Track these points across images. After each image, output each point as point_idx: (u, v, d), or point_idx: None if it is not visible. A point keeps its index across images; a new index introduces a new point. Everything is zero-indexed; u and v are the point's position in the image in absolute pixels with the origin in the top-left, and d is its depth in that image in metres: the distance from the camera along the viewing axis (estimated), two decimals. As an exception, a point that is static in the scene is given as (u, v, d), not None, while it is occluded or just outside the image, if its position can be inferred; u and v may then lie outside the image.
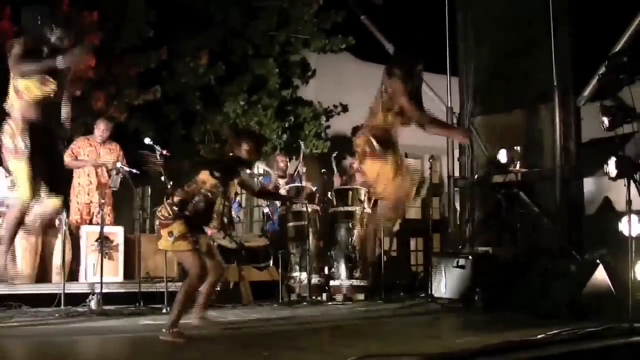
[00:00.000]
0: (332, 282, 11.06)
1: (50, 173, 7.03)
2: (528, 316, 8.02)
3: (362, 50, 15.53)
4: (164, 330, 6.83)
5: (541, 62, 10.74)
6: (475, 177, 11.26)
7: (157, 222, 7.12)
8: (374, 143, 7.90)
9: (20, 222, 6.97)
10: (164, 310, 9.13)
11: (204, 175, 7.12)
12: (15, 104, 6.92)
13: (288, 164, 12.87)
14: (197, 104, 14.61)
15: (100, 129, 10.95)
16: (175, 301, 7.00)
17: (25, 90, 6.84)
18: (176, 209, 7.00)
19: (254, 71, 14.92)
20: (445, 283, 10.17)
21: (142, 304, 9.49)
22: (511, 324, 7.52)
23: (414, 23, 14.20)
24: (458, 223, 12.15)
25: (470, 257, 9.92)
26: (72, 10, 11.85)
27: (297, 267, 11.11)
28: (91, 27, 12.26)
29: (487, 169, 11.24)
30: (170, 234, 6.90)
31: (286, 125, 15.23)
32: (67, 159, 10.27)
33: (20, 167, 6.82)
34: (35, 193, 6.84)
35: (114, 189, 10.90)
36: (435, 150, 13.30)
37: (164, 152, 9.07)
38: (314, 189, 11.56)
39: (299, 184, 11.77)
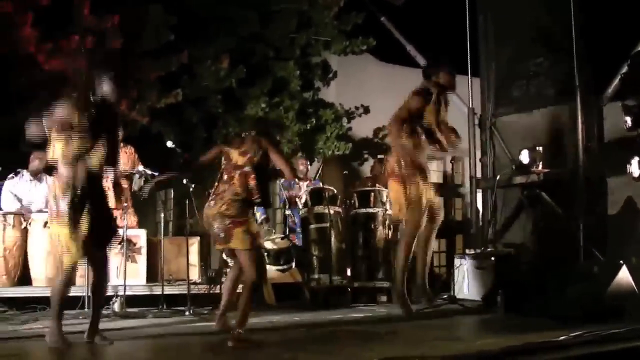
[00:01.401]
0: (354, 284, 11.05)
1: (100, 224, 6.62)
2: (550, 317, 7.97)
3: (383, 52, 15.54)
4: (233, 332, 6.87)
5: (562, 62, 10.70)
6: (497, 178, 11.21)
7: (226, 221, 7.02)
8: (402, 165, 8.07)
9: (68, 286, 6.70)
10: (187, 313, 9.17)
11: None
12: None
13: (309, 166, 12.86)
14: (219, 107, 14.63)
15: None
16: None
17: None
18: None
19: (275, 73, 14.94)
20: (468, 284, 10.15)
21: (164, 306, 9.52)
22: (533, 326, 7.48)
23: (434, 24, 14.18)
24: (480, 224, 12.12)
25: (492, 258, 9.89)
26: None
27: (319, 269, 11.09)
28: (112, 31, 12.31)
29: (509, 170, 11.20)
30: (246, 232, 6.98)
31: (307, 127, 15.24)
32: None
33: (62, 233, 6.42)
34: (81, 253, 6.47)
35: (139, 193, 10.93)
36: (457, 152, 13.27)
37: (186, 155, 9.09)
38: (335, 191, 11.56)
39: (320, 186, 11.76)
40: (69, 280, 6.63)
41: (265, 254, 10.65)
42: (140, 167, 10.67)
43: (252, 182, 7.03)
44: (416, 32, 13.51)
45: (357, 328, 8.40)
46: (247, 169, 7.07)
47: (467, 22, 12.15)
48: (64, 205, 6.35)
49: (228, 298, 7.59)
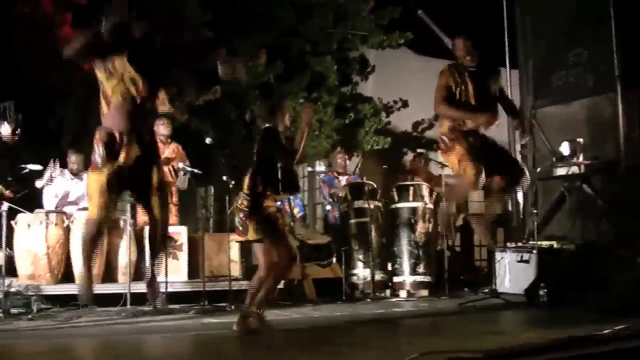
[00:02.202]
0: (395, 279, 11.04)
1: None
2: (593, 310, 7.91)
3: (420, 45, 15.49)
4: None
5: (602, 52, 10.61)
6: (538, 170, 11.13)
7: (240, 215, 7.17)
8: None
9: (92, 240, 6.66)
10: (228, 309, 9.20)
11: None
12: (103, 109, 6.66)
13: (347, 161, 12.84)
14: (257, 103, 14.65)
15: (164, 124, 11.00)
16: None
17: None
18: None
19: (312, 68, 14.94)
20: (509, 278, 10.09)
21: (206, 302, 9.56)
22: (576, 319, 7.42)
23: (471, 16, 14.12)
24: (521, 217, 12.04)
25: (534, 251, 9.82)
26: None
27: (360, 264, 11.09)
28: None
29: (550, 162, 11.11)
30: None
31: (346, 122, 15.23)
32: None
33: (91, 180, 6.56)
34: (105, 212, 6.47)
35: (183, 189, 10.99)
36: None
37: (226, 151, 9.12)
38: (374, 185, 11.54)
39: (359, 181, 11.76)
40: (95, 233, 6.53)
41: (306, 249, 10.69)
42: (181, 164, 10.73)
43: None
44: (453, 25, 13.44)
45: (398, 322, 8.39)
46: None
47: (505, 13, 12.07)
48: (97, 157, 6.46)
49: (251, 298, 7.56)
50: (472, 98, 8.69)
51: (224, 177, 9.39)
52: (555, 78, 11.42)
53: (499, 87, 9.18)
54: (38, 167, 9.62)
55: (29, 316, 8.40)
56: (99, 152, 6.50)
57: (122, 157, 6.35)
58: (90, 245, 6.43)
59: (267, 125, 7.42)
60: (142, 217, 10.68)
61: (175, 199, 10.99)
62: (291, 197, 11.56)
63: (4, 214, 8.89)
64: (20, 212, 9.67)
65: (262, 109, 7.64)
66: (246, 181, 7.32)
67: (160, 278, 9.62)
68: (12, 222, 9.64)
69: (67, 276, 9.87)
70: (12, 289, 8.93)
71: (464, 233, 12.65)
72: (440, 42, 13.36)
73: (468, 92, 8.66)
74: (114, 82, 6.37)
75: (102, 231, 6.44)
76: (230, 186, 9.36)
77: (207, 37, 13.50)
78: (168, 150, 11.03)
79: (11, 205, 8.97)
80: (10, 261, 9.46)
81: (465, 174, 8.55)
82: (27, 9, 11.74)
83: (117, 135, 6.29)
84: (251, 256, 11.80)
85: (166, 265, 9.56)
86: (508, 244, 11.05)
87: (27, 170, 8.95)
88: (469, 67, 8.76)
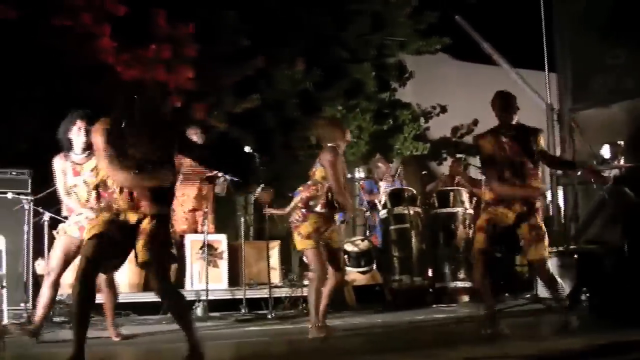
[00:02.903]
0: (435, 285, 11.00)
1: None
2: (635, 316, 7.84)
3: (458, 50, 15.45)
4: (310, 328, 7.40)
5: (640, 54, 10.54)
6: (578, 173, 11.05)
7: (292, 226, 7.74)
8: None
9: (81, 283, 6.17)
10: (269, 316, 9.23)
11: (321, 172, 7.69)
12: None
13: (387, 167, 12.82)
14: (295, 111, 14.69)
15: (197, 133, 11.03)
16: (308, 302, 7.59)
17: None
18: (304, 210, 7.64)
19: (351, 75, 14.95)
20: (551, 283, 10.01)
21: (246, 309, 9.59)
22: (618, 325, 7.36)
23: (509, 20, 14.06)
24: (562, 221, 11.96)
25: (575, 255, 9.75)
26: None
27: (400, 270, 11.06)
28: (187, 39, 12.47)
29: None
30: (300, 234, 7.56)
31: (385, 128, 15.21)
32: None
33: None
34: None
35: (221, 195, 11.02)
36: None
37: (264, 158, 9.15)
38: (414, 191, 11.52)
39: (399, 187, 11.74)
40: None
41: (346, 256, 10.68)
42: (220, 173, 10.74)
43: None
44: (491, 29, 13.41)
45: (439, 329, 8.37)
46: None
47: (543, 17, 12.01)
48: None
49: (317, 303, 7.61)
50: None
51: (263, 185, 9.41)
52: (594, 81, 11.36)
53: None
54: (79, 177, 9.72)
55: (71, 324, 8.46)
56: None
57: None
58: (80, 291, 5.86)
59: (330, 144, 7.70)
60: (181, 226, 10.75)
61: (212, 207, 11.02)
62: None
63: (46, 223, 8.98)
64: (62, 222, 9.74)
65: (324, 129, 7.90)
66: (302, 195, 7.79)
67: (201, 285, 9.69)
68: (54, 232, 9.72)
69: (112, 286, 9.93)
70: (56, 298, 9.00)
71: (505, 238, 12.56)
72: (478, 47, 13.33)
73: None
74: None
75: (93, 272, 5.93)
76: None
77: (245, 46, 13.57)
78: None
79: (53, 215, 9.05)
80: (52, 271, 9.53)
81: None
82: (67, 21, 11.85)
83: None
84: (292, 263, 11.84)
85: (206, 273, 9.61)
86: (550, 249, 10.96)
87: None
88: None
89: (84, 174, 7.55)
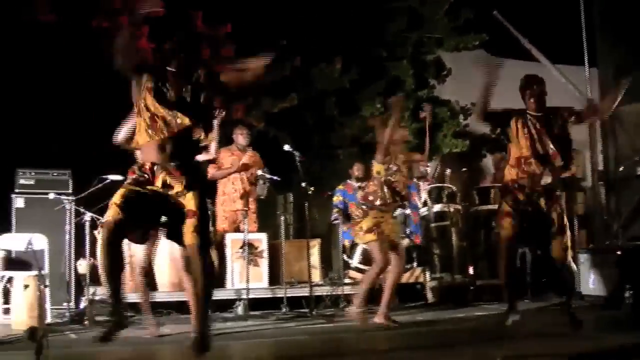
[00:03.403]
0: (477, 282, 10.95)
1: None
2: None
3: (496, 46, 15.33)
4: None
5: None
6: (621, 169, 10.95)
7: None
8: None
9: (109, 245, 5.81)
10: (310, 315, 9.23)
11: (377, 167, 8.18)
12: None
13: (429, 166, 12.76)
14: (334, 109, 14.68)
15: (243, 134, 11.05)
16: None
17: None
18: (364, 206, 8.20)
19: (388, 73, 14.91)
20: (593, 280, 9.94)
21: (287, 308, 9.60)
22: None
23: (548, 15, 13.95)
24: (605, 218, 11.85)
25: (618, 252, 9.65)
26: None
27: (441, 268, 11.03)
28: (224, 39, 12.50)
29: (632, 161, 10.92)
30: (360, 229, 8.18)
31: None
32: (212, 170, 10.47)
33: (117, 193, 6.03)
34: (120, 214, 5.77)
35: (262, 197, 11.02)
36: (578, 144, 13.01)
37: (303, 157, 9.15)
38: (454, 188, 11.47)
39: (439, 184, 11.70)
40: (110, 237, 5.74)
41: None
42: (259, 172, 10.75)
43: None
44: (529, 25, 13.31)
45: (480, 326, 8.33)
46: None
47: (582, 11, 11.90)
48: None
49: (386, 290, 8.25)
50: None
51: (303, 184, 9.41)
52: (635, 75, 11.22)
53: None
54: (119, 177, 9.76)
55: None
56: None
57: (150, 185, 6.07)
58: (107, 252, 5.93)
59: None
60: (221, 225, 10.76)
61: (253, 206, 11.03)
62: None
63: (87, 223, 9.05)
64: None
65: (376, 121, 8.33)
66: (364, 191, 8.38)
67: (241, 284, 9.71)
68: (96, 232, 9.80)
69: (149, 284, 9.97)
70: (97, 297, 9.07)
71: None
72: (516, 43, 13.24)
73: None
74: (143, 120, 6.08)
75: (118, 234, 5.89)
76: (309, 192, 9.37)
77: (282, 45, 13.57)
78: (246, 158, 11.07)
79: (94, 215, 9.11)
80: (93, 270, 9.60)
81: None
82: (106, 23, 11.93)
83: (147, 167, 6.05)
84: (332, 261, 11.83)
85: (247, 272, 9.63)
86: (591, 246, 10.89)
87: (108, 180, 9.07)
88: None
89: None
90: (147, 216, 5.93)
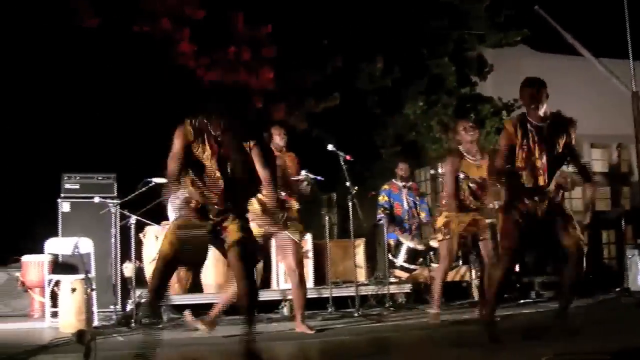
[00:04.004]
0: (523, 279, 10.87)
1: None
2: None
3: (538, 42, 15.23)
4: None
5: None
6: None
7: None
8: None
9: (161, 272, 6.09)
10: (356, 314, 9.21)
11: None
12: None
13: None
14: (376, 108, 14.65)
15: (280, 134, 11.00)
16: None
17: None
18: (439, 206, 8.76)
19: (430, 71, 14.86)
20: (641, 276, 9.83)
21: (333, 308, 9.59)
22: None
23: (591, 8, 13.83)
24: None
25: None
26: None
27: (487, 266, 10.95)
28: (266, 40, 12.52)
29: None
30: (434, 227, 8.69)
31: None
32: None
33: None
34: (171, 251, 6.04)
35: (305, 194, 11.01)
36: (624, 139, 12.90)
37: (348, 157, 9.14)
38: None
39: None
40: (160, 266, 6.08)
41: (431, 252, 10.63)
42: (303, 172, 10.72)
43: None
44: (572, 18, 13.19)
45: (527, 324, 8.26)
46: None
47: (626, 2, 11.76)
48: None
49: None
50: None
51: (347, 184, 9.40)
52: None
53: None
54: (164, 180, 9.80)
55: (160, 325, 8.56)
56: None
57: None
58: (159, 276, 6.05)
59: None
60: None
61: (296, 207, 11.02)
62: (417, 202, 11.53)
63: (133, 227, 9.11)
64: (148, 224, 9.87)
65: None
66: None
67: (287, 285, 9.71)
68: (141, 235, 9.87)
69: (195, 286, 10.03)
70: (143, 300, 9.12)
71: (591, 231, 12.36)
72: (559, 37, 13.13)
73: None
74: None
75: (171, 265, 6.12)
76: (353, 192, 9.36)
77: (324, 45, 13.58)
78: (281, 160, 11.04)
79: (139, 218, 9.17)
80: (140, 273, 9.67)
81: None
82: (147, 27, 12.00)
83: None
84: (377, 261, 11.81)
85: (292, 273, 9.64)
86: (639, 241, 10.77)
87: (152, 183, 9.13)
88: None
89: None
90: (198, 249, 6.24)
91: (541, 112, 6.85)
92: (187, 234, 5.99)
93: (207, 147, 5.95)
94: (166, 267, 5.96)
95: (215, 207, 6.00)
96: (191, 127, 5.95)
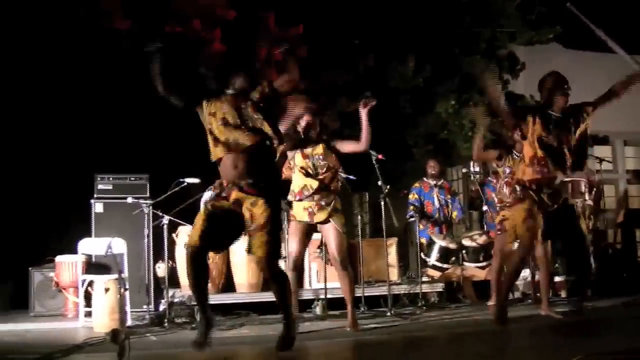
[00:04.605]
0: (555, 278, 10.81)
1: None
2: None
3: (570, 39, 15.13)
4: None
5: None
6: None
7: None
8: None
9: (192, 262, 6.27)
10: (388, 314, 9.21)
11: (499, 169, 9.05)
12: None
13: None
14: (408, 107, 14.63)
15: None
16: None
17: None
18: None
19: (462, 69, 14.81)
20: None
21: (365, 307, 9.59)
22: None
23: (624, 4, 13.72)
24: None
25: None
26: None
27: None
28: (297, 40, 12.53)
29: None
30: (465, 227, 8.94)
31: (499, 121, 15.02)
32: (287, 172, 10.51)
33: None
34: (199, 239, 6.21)
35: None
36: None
37: (380, 156, 9.14)
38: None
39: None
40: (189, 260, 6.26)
41: (464, 251, 10.61)
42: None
43: None
44: (605, 15, 13.08)
45: (560, 323, 8.22)
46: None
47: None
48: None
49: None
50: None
51: (379, 183, 9.38)
52: None
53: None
54: (196, 180, 9.84)
55: (193, 325, 8.61)
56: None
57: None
58: (192, 269, 6.24)
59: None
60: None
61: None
62: (448, 201, 11.50)
63: (166, 227, 9.16)
64: (181, 224, 9.91)
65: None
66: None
67: (319, 284, 9.74)
68: (174, 235, 9.92)
69: (228, 286, 10.07)
70: (176, 300, 9.18)
71: (624, 229, 12.29)
72: (591, 34, 13.02)
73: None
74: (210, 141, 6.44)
75: (201, 253, 6.27)
76: (385, 191, 9.34)
77: (355, 44, 13.58)
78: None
79: (172, 218, 9.22)
80: (172, 273, 9.72)
81: None
82: (178, 28, 12.04)
83: (224, 183, 6.36)
84: (409, 260, 11.80)
85: (325, 272, 9.64)
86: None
87: (185, 183, 9.18)
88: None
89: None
90: (226, 232, 6.35)
91: (564, 106, 6.97)
92: (214, 213, 6.25)
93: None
94: (197, 256, 6.13)
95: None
96: None
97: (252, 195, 6.17)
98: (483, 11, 14.76)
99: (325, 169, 8.02)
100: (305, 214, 7.98)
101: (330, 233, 7.96)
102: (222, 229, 6.30)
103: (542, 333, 7.44)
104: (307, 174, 7.95)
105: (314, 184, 7.92)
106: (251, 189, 6.18)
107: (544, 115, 7.01)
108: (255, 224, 6.14)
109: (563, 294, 10.64)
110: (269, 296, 9.03)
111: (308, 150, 8.09)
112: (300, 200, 8.00)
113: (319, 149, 8.09)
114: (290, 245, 8.11)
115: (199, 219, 6.26)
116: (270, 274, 6.41)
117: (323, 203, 7.95)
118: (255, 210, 6.14)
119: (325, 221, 7.93)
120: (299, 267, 8.16)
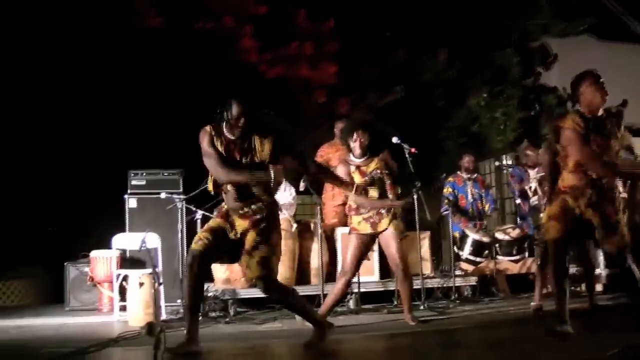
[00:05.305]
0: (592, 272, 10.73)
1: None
2: None
3: (602, 30, 15.04)
4: None
5: None
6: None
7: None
8: None
9: (192, 272, 6.40)
10: (421, 307, 9.19)
11: None
12: None
13: (536, 153, 12.58)
14: (440, 100, 14.60)
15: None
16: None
17: None
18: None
19: (494, 62, 14.77)
20: None
21: (399, 301, 9.57)
22: None
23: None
24: None
25: None
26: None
27: (553, 258, 10.83)
28: (328, 34, 12.54)
29: None
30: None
31: (532, 114, 14.97)
32: (323, 159, 10.54)
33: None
34: (200, 245, 6.42)
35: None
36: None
37: (412, 149, 9.12)
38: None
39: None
40: (191, 266, 6.41)
41: (497, 245, 10.56)
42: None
43: None
44: (638, 6, 13.00)
45: (596, 316, 8.17)
46: None
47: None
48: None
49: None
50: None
51: (412, 176, 9.36)
52: None
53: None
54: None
55: (227, 319, 8.64)
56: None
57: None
58: (190, 277, 6.37)
59: None
60: (331, 219, 10.77)
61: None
62: (482, 194, 11.45)
63: (199, 221, 9.19)
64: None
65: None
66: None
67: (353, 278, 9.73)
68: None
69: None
70: (210, 294, 9.20)
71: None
72: (623, 25, 12.95)
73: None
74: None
75: (197, 263, 6.38)
76: (418, 185, 9.32)
77: (386, 38, 13.56)
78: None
79: (205, 213, 9.24)
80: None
81: None
82: (210, 24, 12.08)
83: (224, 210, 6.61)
84: (442, 254, 11.77)
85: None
86: None
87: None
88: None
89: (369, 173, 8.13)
90: (225, 249, 6.52)
91: (601, 106, 6.83)
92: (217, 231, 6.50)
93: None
94: (197, 266, 6.32)
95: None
96: None
97: (248, 221, 6.35)
98: (514, 3, 14.71)
99: (384, 180, 8.06)
100: (367, 225, 8.03)
101: (391, 241, 7.97)
102: (222, 246, 6.46)
103: (576, 325, 7.39)
104: (367, 191, 7.93)
105: (375, 193, 7.95)
106: (247, 216, 6.36)
107: (581, 119, 6.81)
108: (249, 246, 6.28)
109: (598, 287, 10.54)
110: (302, 290, 9.08)
111: (363, 168, 8.07)
112: (359, 214, 8.02)
113: (374, 164, 8.08)
114: (349, 257, 8.11)
115: (208, 228, 6.55)
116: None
117: (383, 211, 7.99)
118: (249, 236, 6.28)
119: (387, 229, 7.95)
120: (349, 279, 8.10)
